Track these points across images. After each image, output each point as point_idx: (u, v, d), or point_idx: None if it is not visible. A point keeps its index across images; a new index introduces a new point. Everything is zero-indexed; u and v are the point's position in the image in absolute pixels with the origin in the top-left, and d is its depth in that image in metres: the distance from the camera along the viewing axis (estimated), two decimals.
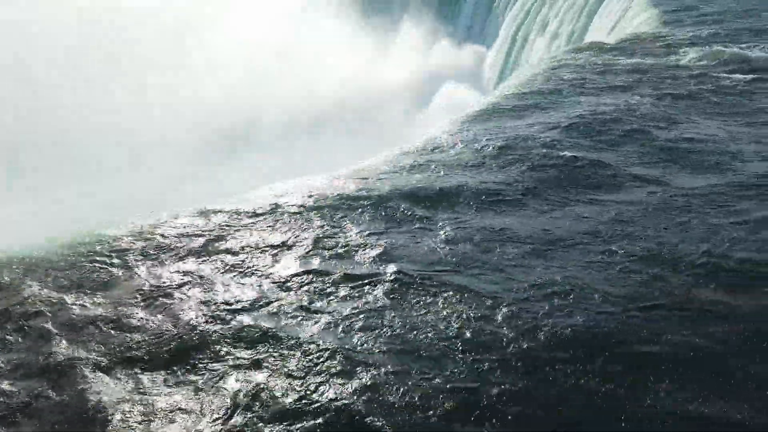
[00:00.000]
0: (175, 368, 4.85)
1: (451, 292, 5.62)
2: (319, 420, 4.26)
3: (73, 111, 24.54)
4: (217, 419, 4.32)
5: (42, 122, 23.89)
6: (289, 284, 5.92)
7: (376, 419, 4.23)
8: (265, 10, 36.76)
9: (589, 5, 24.54)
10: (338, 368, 4.71)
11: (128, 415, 4.40)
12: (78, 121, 24.07)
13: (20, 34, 26.56)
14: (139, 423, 4.34)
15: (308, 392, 4.50)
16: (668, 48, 14.84)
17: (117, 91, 26.24)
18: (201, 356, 4.97)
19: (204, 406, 4.46)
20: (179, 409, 4.45)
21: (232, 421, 4.31)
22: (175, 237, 6.88)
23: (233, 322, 5.38)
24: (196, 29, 32.27)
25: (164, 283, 6.01)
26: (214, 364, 4.87)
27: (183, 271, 6.20)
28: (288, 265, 6.25)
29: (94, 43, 28.04)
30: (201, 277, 6.11)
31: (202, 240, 6.80)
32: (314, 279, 5.99)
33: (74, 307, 5.60)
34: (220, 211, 7.47)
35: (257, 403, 4.43)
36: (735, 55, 13.67)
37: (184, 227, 7.11)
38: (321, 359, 4.83)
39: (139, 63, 28.32)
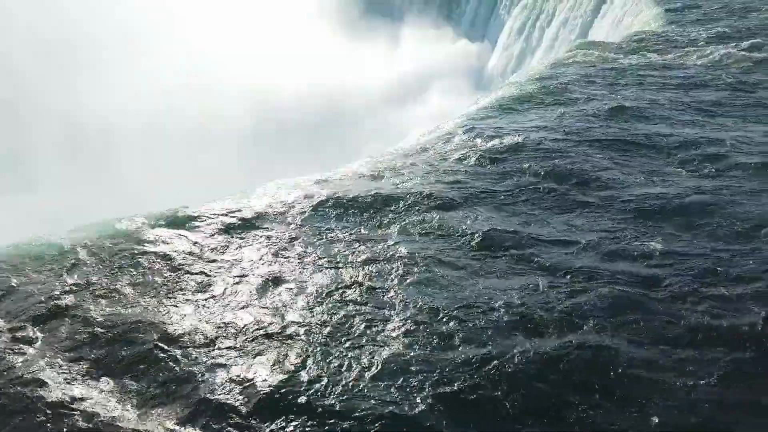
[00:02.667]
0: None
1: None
2: None
3: (69, 110, 24.52)
4: None
5: (38, 120, 23.90)
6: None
7: None
8: (265, 9, 36.70)
9: (593, 4, 24.42)
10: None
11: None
12: (73, 119, 24.05)
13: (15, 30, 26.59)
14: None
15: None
16: (671, 46, 14.73)
17: (108, 89, 26.19)
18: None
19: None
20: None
21: None
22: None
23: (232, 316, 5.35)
24: (196, 29, 32.22)
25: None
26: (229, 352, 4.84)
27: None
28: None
29: (91, 41, 28.00)
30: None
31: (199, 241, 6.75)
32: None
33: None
34: (224, 209, 7.40)
35: None
36: (738, 52, 13.56)
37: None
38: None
39: (132, 61, 28.25)
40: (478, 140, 9.50)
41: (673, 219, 6.84)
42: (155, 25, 30.40)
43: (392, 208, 7.30)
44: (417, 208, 7.29)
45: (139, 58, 28.35)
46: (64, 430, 4.28)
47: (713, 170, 8.08)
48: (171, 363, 4.84)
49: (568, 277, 5.77)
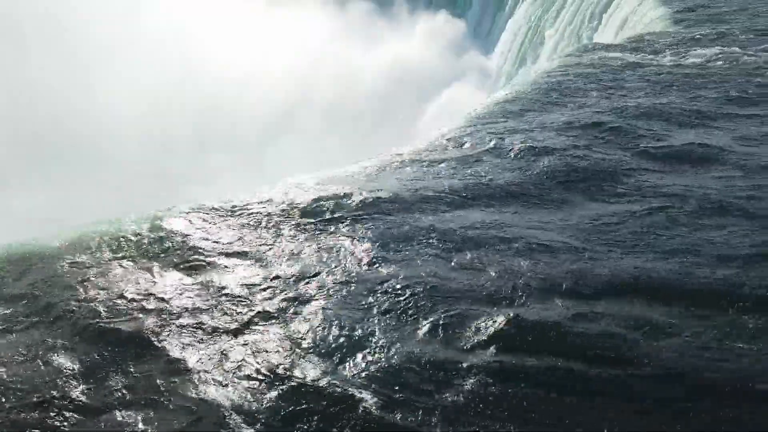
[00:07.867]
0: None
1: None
2: None
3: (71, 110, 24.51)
4: None
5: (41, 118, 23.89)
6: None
7: None
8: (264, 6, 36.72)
9: (599, 4, 24.27)
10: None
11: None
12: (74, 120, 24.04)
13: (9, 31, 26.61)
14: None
15: None
16: (677, 48, 14.59)
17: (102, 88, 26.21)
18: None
19: None
20: None
21: None
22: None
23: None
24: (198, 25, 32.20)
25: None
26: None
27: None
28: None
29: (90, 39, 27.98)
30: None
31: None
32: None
33: None
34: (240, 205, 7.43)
35: None
36: (743, 54, 13.44)
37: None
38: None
39: (132, 59, 28.23)
40: (485, 140, 9.45)
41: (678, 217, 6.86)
42: (153, 25, 30.37)
43: (403, 206, 7.31)
44: (430, 204, 7.33)
45: (137, 57, 28.30)
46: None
47: (715, 171, 8.02)
48: None
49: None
